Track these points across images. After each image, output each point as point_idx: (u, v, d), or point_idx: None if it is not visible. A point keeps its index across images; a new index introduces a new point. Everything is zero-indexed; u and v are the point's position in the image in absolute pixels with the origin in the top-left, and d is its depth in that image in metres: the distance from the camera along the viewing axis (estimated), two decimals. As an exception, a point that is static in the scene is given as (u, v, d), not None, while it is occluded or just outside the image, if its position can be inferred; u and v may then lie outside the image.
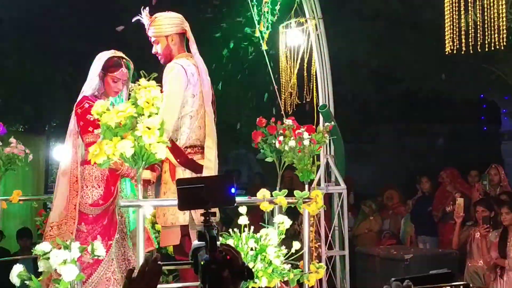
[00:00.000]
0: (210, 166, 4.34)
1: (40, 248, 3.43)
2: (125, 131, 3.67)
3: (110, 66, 4.63)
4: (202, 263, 2.05)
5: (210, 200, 2.21)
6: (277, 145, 4.61)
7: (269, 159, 4.75)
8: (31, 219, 4.72)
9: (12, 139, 5.03)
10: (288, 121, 4.69)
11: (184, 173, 4.34)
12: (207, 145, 4.39)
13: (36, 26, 9.15)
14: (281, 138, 4.60)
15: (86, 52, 5.29)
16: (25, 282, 3.42)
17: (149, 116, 3.70)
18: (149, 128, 3.63)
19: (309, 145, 4.55)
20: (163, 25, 4.51)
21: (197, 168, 4.36)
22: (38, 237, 4.53)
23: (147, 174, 4.42)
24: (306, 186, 4.65)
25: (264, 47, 5.95)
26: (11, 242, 8.55)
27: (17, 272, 3.46)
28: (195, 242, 2.18)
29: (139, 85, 3.90)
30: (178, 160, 4.37)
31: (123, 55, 4.71)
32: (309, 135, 4.57)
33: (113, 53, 4.69)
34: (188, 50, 4.55)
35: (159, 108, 3.86)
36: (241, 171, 14.46)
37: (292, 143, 4.56)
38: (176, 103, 4.34)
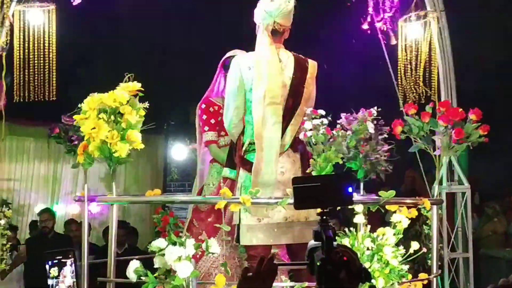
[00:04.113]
0: (257, 167, 4.13)
1: (156, 244, 3.51)
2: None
3: (226, 66, 4.72)
4: (318, 263, 2.02)
5: (326, 199, 2.17)
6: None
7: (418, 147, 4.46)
8: (150, 216, 4.84)
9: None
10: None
11: (243, 173, 4.25)
12: (256, 143, 4.19)
13: (155, 25, 9.40)
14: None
15: (204, 52, 5.39)
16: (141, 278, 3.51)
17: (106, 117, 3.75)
18: (94, 128, 3.70)
19: (338, 135, 4.08)
20: (255, 13, 4.39)
21: (249, 166, 4.20)
22: (156, 235, 4.62)
23: (226, 173, 4.45)
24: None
25: (393, 41, 5.78)
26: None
27: (133, 267, 3.54)
28: (311, 242, 2.15)
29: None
30: (235, 158, 4.33)
31: None
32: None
33: (232, 53, 4.77)
34: (278, 40, 4.36)
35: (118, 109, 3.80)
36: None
37: (309, 133, 4.06)
38: (229, 100, 4.30)
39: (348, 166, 4.26)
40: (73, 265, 2.12)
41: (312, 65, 4.42)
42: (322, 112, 4.10)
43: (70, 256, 2.20)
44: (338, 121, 4.19)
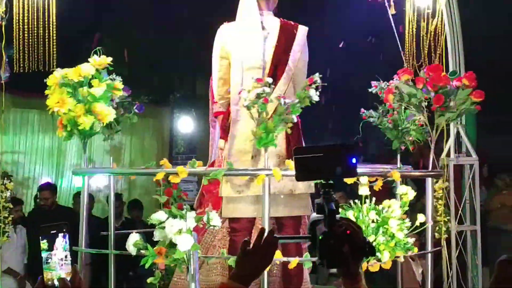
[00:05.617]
0: (232, 134, 4.18)
1: (156, 217, 3.47)
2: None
3: None
4: (320, 237, 1.94)
5: (329, 170, 2.08)
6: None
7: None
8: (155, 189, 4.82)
9: None
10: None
11: (226, 143, 4.29)
12: (231, 109, 4.24)
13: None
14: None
15: (209, 22, 5.30)
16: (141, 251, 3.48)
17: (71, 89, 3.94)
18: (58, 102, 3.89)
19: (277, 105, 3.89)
20: None
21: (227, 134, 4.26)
22: (160, 207, 4.60)
23: (220, 144, 4.42)
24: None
25: (392, 11, 5.63)
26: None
27: (133, 241, 3.51)
28: (313, 215, 2.08)
29: None
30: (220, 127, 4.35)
31: None
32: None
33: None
34: (265, 6, 4.28)
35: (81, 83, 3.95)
36: (368, 140, 13.85)
37: (246, 102, 3.87)
38: (214, 71, 4.31)
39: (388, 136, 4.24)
40: (66, 237, 2.10)
41: (302, 32, 4.31)
42: (269, 80, 3.96)
43: (64, 230, 2.18)
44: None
